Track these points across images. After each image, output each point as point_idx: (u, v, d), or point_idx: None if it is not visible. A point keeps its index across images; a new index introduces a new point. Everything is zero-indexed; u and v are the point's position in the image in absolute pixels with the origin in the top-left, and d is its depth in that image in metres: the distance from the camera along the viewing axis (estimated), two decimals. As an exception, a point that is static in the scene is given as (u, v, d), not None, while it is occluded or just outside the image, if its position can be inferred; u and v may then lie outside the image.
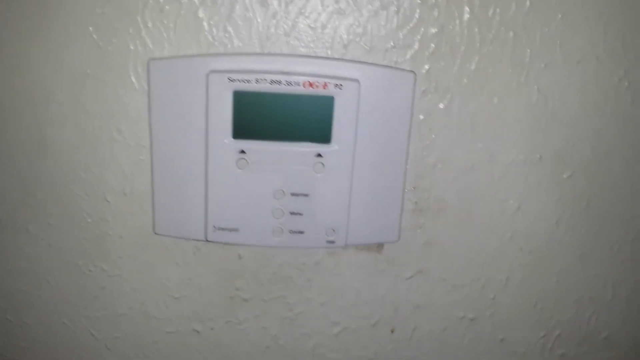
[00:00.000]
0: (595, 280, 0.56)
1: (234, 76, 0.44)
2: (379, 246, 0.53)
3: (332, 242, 0.49)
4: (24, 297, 0.53)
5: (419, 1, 0.45)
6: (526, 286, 0.55)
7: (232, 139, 0.45)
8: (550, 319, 0.57)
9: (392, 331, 0.56)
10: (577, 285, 0.56)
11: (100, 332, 0.54)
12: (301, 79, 0.44)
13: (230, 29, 0.45)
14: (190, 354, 0.55)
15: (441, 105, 0.48)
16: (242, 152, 0.46)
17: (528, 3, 0.46)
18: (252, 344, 0.55)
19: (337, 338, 0.56)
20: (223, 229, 0.48)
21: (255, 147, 0.46)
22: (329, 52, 0.46)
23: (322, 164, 0.47)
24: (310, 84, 0.44)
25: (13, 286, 0.52)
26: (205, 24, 0.44)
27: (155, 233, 0.49)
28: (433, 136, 0.49)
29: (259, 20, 0.45)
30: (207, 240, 0.49)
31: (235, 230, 0.48)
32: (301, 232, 0.49)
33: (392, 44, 0.46)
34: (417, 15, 0.46)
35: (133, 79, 0.46)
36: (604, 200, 0.53)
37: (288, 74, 0.44)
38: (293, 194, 0.47)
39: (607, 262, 0.55)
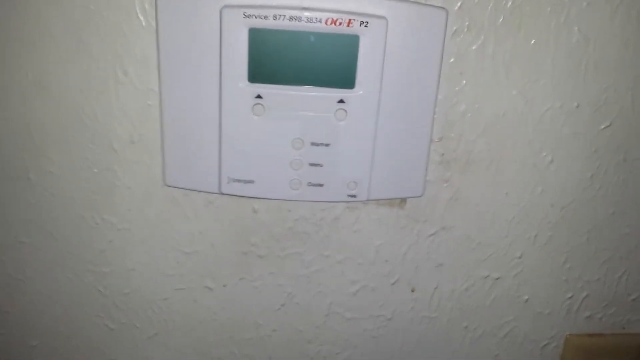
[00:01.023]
0: (627, 239, 0.53)
1: (249, 11, 0.40)
2: (402, 201, 0.50)
3: (353, 196, 0.46)
4: (26, 249, 0.50)
5: None
6: (555, 244, 0.53)
7: (248, 83, 0.42)
8: (578, 279, 0.54)
9: (413, 290, 0.54)
10: (608, 244, 0.53)
11: (107, 288, 0.52)
12: (323, 15, 0.40)
13: (246, -42, 0.41)
14: (202, 311, 0.53)
15: (474, 47, 0.44)
16: (259, 97, 0.42)
17: None
18: (266, 302, 0.53)
19: (354, 297, 0.53)
20: (238, 181, 0.45)
21: (273, 91, 0.42)
22: (354, -13, 0.42)
23: (345, 110, 0.43)
24: (333, 21, 0.40)
25: (13, 238, 0.50)
26: (218, -47, 0.41)
27: (166, 184, 0.46)
28: (464, 81, 0.45)
29: (277, -51, 0.41)
30: (220, 193, 0.46)
31: (251, 182, 0.45)
32: (320, 185, 0.46)
33: (422, -22, 0.42)
34: (450, -54, 0.42)
35: (140, 16, 0.42)
36: (643, 154, 0.49)
37: (309, 10, 0.40)
38: (313, 144, 0.44)
39: (642, 220, 0.52)
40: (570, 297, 0.55)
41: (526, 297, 0.55)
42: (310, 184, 0.46)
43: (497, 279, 0.54)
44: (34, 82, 0.44)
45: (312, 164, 0.45)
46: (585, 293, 0.55)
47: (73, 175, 0.47)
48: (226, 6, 0.40)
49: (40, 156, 0.47)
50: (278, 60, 0.42)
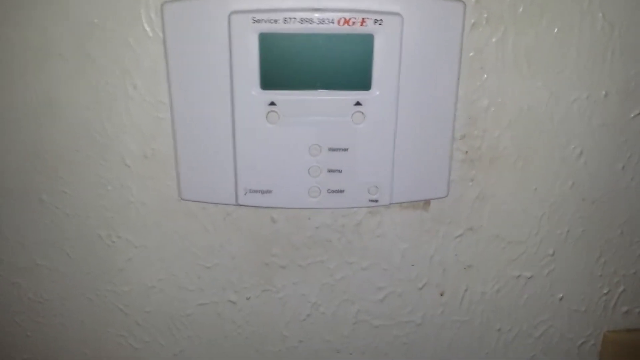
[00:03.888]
0: (664, 231, 0.51)
1: (259, 16, 0.38)
2: (426, 203, 0.48)
3: (375, 200, 0.45)
4: (43, 271, 0.49)
5: None
6: (588, 239, 0.50)
7: (261, 90, 0.41)
8: (614, 274, 0.52)
9: (442, 294, 0.52)
10: (644, 237, 0.51)
11: (129, 306, 0.51)
12: (335, 15, 0.39)
13: (252, -39, 0.39)
14: (226, 325, 0.52)
15: (494, 39, 0.42)
16: (272, 104, 0.41)
17: None
18: (291, 313, 0.52)
19: (381, 303, 0.52)
20: (255, 191, 0.44)
21: (287, 97, 0.41)
22: (366, -16, 0.40)
23: (362, 113, 0.42)
24: (346, 21, 0.39)
25: (30, 261, 0.49)
26: (223, -44, 0.39)
27: (182, 199, 0.45)
28: (485, 75, 0.43)
29: (284, -51, 0.39)
30: (237, 204, 0.44)
31: (268, 192, 0.44)
32: (341, 191, 0.44)
33: (436, -30, 0.40)
34: (464, -64, 0.40)
35: (146, 27, 0.41)
36: (678, 141, 0.47)
37: (320, 11, 0.39)
38: (331, 149, 0.43)
39: (679, 210, 0.50)
40: (606, 293, 0.53)
41: (561, 295, 0.53)
42: (330, 191, 0.44)
43: (530, 278, 0.52)
44: (43, 102, 0.43)
45: (330, 170, 0.43)
46: (622, 288, 0.53)
47: (87, 194, 0.46)
48: (234, 12, 0.39)
49: (53, 176, 0.46)
50: (291, 65, 0.40)
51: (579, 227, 0.50)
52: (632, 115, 0.46)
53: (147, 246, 0.48)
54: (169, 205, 0.46)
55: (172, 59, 0.41)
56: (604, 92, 0.45)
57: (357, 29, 0.39)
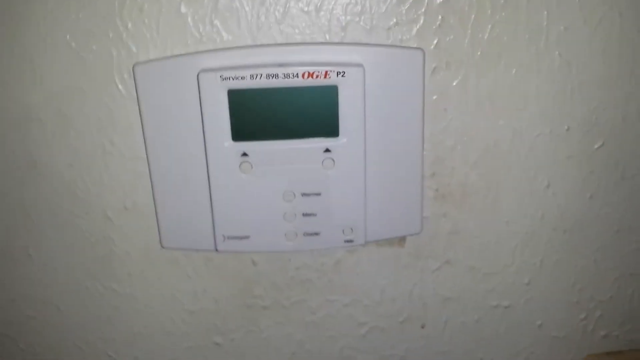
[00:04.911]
0: (635, 255, 0.52)
1: (226, 74, 0.40)
2: (401, 239, 0.49)
3: (350, 241, 0.46)
4: (34, 323, 0.50)
5: (421, -29, 0.41)
6: (562, 267, 0.52)
7: (232, 142, 0.42)
8: (591, 299, 0.53)
9: (423, 327, 0.53)
10: (616, 262, 0.52)
11: (118, 353, 0.52)
12: (299, 69, 0.40)
13: (217, 22, 0.41)
14: (213, 368, 0.53)
15: (455, 82, 0.44)
16: (245, 154, 0.43)
17: (541, -39, 0.42)
18: (277, 352, 0.53)
19: (365, 339, 0.53)
20: (233, 238, 0.45)
21: (258, 148, 0.43)
22: (327, 37, 0.42)
23: (332, 159, 0.43)
24: (310, 74, 0.40)
25: (20, 314, 0.50)
26: (189, 19, 0.41)
27: (163, 247, 0.47)
28: (449, 117, 0.45)
29: (246, 9, 0.41)
30: (217, 251, 0.46)
31: (246, 237, 0.45)
32: (316, 234, 0.45)
33: (394, 20, 0.42)
34: (420, -13, 0.42)
35: (120, 87, 0.42)
36: (641, 169, 0.48)
37: (285, 66, 0.40)
38: (304, 194, 0.44)
39: (648, 235, 0.51)
40: (584, 318, 0.54)
41: (539, 322, 0.54)
42: (306, 234, 0.46)
43: (507, 307, 0.53)
44: (25, 163, 0.45)
45: (305, 214, 0.45)
46: (599, 312, 0.54)
47: (71, 248, 0.47)
48: (203, 70, 0.40)
49: (38, 232, 0.47)
50: (260, 117, 0.42)
51: (552, 256, 0.51)
52: (596, 147, 0.47)
53: (132, 294, 0.49)
54: (151, 254, 0.48)
55: (147, 116, 0.42)
56: (566, 127, 0.46)
57: (321, 81, 0.41)
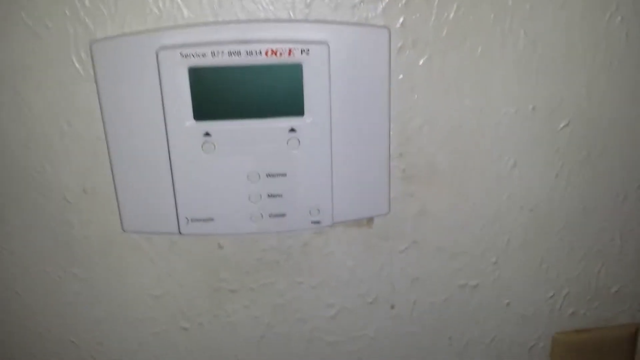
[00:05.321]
0: (601, 234, 0.53)
1: (186, 51, 0.39)
2: (369, 220, 0.49)
3: (317, 222, 0.46)
4: (-8, 311, 0.49)
5: (386, -53, 0.40)
6: (529, 246, 0.52)
7: (194, 121, 0.41)
8: (558, 277, 0.54)
9: (392, 307, 0.53)
10: (583, 241, 0.53)
11: (81, 339, 0.51)
12: (263, 46, 0.39)
13: (177, -3, 0.40)
14: (180, 353, 0.52)
15: (421, 62, 0.44)
16: (207, 134, 0.42)
17: (507, -63, 0.41)
18: (245, 336, 0.52)
19: (334, 320, 0.53)
20: (197, 220, 0.44)
21: (221, 127, 0.42)
22: (291, 14, 0.41)
23: (297, 139, 0.42)
24: (274, 52, 0.40)
25: (-22, 301, 0.49)
26: (148, -5, 0.40)
27: (124, 230, 0.45)
28: (415, 96, 0.45)
29: (208, -16, 0.40)
30: (180, 233, 0.45)
31: (210, 219, 0.44)
32: (282, 215, 0.45)
33: (360, -2, 0.41)
34: (385, -37, 0.41)
35: (77, 65, 0.41)
36: (605, 148, 0.49)
37: (247, 43, 0.39)
38: (269, 175, 0.43)
39: (613, 213, 0.52)
40: (551, 297, 0.55)
41: (507, 301, 0.54)
42: (272, 215, 0.45)
43: (475, 286, 0.53)
44: (-21, 143, 0.43)
45: (270, 195, 0.44)
46: (567, 290, 0.55)
47: (30, 232, 0.46)
48: (162, 47, 0.39)
49: (-5, 216, 0.46)
50: (222, 96, 0.41)
51: (519, 235, 0.51)
52: (561, 125, 0.47)
53: (93, 279, 0.48)
54: (112, 237, 0.47)
55: (105, 96, 0.41)
56: (531, 106, 0.46)
57: (285, 59, 0.40)
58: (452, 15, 0.42)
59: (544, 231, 0.51)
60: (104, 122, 0.42)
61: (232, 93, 0.41)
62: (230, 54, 0.39)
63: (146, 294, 0.49)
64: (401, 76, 0.44)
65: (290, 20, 0.41)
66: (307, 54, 0.40)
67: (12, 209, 0.45)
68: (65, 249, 0.47)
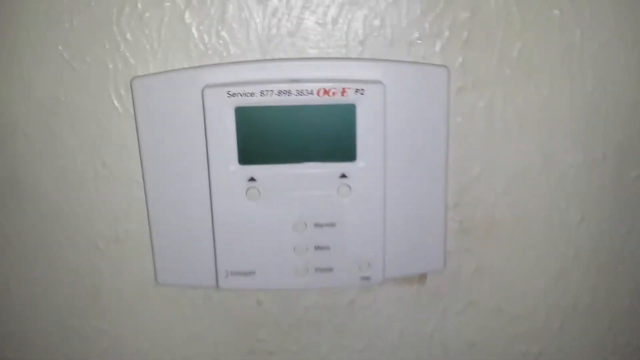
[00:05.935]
0: (676, 297, 0.48)
1: (234, 89, 0.37)
2: (422, 277, 0.45)
3: (367, 278, 0.42)
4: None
5: (445, -18, 0.38)
6: (597, 310, 0.47)
7: (239, 165, 0.39)
8: (627, 345, 0.49)
9: (444, 375, 0.48)
10: (656, 304, 0.48)
11: (106, 401, 0.47)
12: (314, 86, 0.37)
13: (224, 33, 0.38)
14: (211, 420, 0.48)
15: (481, 104, 0.41)
16: (252, 179, 0.39)
17: (574, -26, 0.39)
18: (283, 403, 0.48)
19: (381, 388, 0.48)
20: (237, 273, 0.41)
21: (267, 172, 0.39)
22: (344, 52, 0.39)
23: (348, 185, 0.39)
24: (326, 92, 0.37)
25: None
26: (194, 30, 0.38)
27: (158, 283, 0.42)
28: (474, 141, 0.42)
29: (257, 20, 0.38)
30: (218, 288, 0.41)
31: (252, 273, 0.41)
32: (330, 270, 0.41)
33: (417, 34, 0.39)
34: (443, -1, 0.39)
35: (115, 102, 0.39)
36: (683, 201, 0.45)
37: (298, 82, 0.37)
38: (317, 225, 0.40)
39: (691, 275, 0.47)
40: (621, 367, 0.49)
41: (573, 371, 0.49)
42: (318, 269, 0.41)
43: (538, 354, 0.48)
44: (7, 181, 0.41)
45: (318, 247, 0.41)
46: (637, 358, 0.49)
47: (56, 281, 0.44)
48: (208, 85, 0.37)
49: (19, 262, 0.43)
50: (270, 138, 0.38)
51: (585, 297, 0.47)
52: (633, 175, 0.44)
53: (122, 335, 0.45)
54: (144, 290, 0.44)
55: (144, 136, 0.39)
56: (601, 154, 0.43)
57: (338, 99, 0.37)
58: (515, 54, 0.40)
59: (612, 294, 0.47)
60: (141, 164, 0.39)
61: (280, 135, 0.38)
62: (279, 93, 0.37)
63: (178, 354, 0.46)
64: (460, 119, 0.41)
65: (343, 59, 0.39)
66: (362, 93, 0.37)
67: (38, 254, 0.43)
68: (94, 301, 0.44)
